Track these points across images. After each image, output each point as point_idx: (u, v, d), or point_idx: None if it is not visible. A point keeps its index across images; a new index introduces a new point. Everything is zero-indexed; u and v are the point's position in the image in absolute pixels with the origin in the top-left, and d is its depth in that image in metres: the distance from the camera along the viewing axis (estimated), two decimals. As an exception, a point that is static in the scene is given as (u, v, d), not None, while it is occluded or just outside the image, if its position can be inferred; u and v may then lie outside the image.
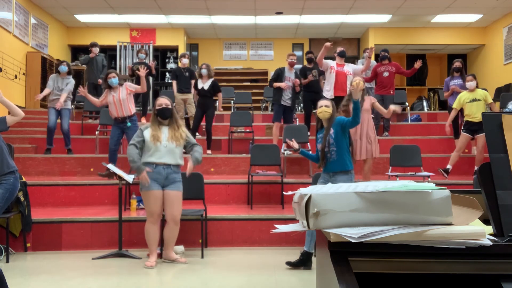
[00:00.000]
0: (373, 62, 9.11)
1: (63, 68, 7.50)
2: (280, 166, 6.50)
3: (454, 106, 6.88)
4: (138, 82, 8.83)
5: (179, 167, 4.61)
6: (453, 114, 6.87)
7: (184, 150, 4.69)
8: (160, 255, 4.81)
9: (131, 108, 6.59)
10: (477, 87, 6.77)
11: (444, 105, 10.89)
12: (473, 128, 6.64)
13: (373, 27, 12.51)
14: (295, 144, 4.60)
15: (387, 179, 6.21)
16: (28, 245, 5.14)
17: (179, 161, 4.57)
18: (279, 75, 7.59)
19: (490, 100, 6.69)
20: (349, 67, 7.36)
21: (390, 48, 13.25)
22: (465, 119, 6.75)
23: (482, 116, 1.46)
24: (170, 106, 4.60)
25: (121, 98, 6.45)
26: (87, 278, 4.15)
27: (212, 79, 7.66)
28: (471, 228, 1.23)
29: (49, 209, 5.85)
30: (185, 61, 8.48)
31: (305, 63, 8.88)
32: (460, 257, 1.24)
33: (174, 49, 12.92)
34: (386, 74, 8.22)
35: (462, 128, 6.83)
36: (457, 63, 7.77)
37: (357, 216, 1.27)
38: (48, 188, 6.11)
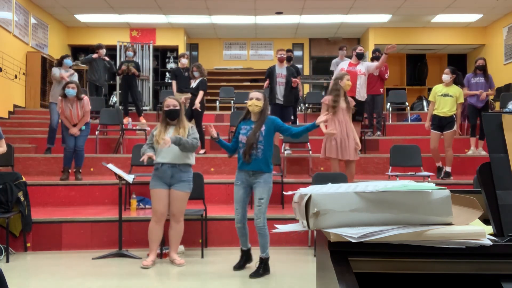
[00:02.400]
0: (346, 59, 9.11)
1: (69, 62, 7.51)
2: (280, 166, 6.50)
3: (430, 98, 6.87)
4: (123, 80, 8.85)
5: (188, 166, 4.60)
6: (430, 107, 6.82)
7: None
8: (160, 255, 4.81)
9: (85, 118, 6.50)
10: (456, 83, 6.70)
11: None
12: (440, 124, 6.57)
13: (373, 27, 12.51)
14: (213, 133, 4.34)
15: (387, 179, 6.21)
16: (28, 245, 5.14)
17: (185, 160, 4.57)
18: (270, 73, 7.48)
19: (461, 100, 6.61)
20: (362, 66, 7.14)
21: (390, 48, 13.31)
22: (434, 112, 6.67)
23: (482, 116, 1.46)
24: (178, 107, 4.62)
25: (79, 114, 6.36)
26: (87, 278, 4.15)
27: (201, 78, 7.53)
28: (471, 228, 1.23)
29: (49, 209, 5.85)
30: (184, 61, 8.47)
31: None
32: (460, 257, 1.24)
33: (174, 49, 12.92)
34: (376, 73, 8.16)
35: (431, 124, 6.72)
36: (480, 61, 7.69)
37: (357, 216, 1.27)
38: (48, 188, 6.11)
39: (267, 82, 7.41)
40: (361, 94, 6.93)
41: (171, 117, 4.60)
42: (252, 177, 4.23)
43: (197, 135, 4.68)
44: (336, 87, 5.64)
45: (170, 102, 4.60)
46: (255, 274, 4.21)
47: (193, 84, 7.52)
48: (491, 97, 8.22)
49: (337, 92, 5.60)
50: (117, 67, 9.48)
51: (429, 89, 13.74)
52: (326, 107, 5.56)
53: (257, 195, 4.21)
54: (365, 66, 7.09)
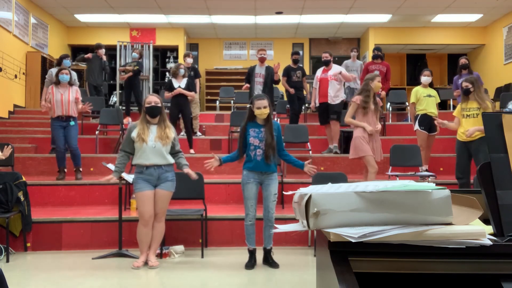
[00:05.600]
0: (358, 61, 9.19)
1: (67, 62, 7.50)
2: (280, 166, 6.50)
3: (411, 100, 6.93)
4: (127, 79, 8.84)
5: (171, 165, 4.54)
6: (412, 109, 6.91)
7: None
8: (160, 255, 4.81)
9: (75, 111, 6.46)
10: (431, 86, 6.89)
11: (444, 105, 10.90)
12: (430, 124, 6.67)
13: (373, 27, 12.51)
14: (215, 163, 4.41)
15: (387, 179, 6.21)
16: (28, 245, 5.14)
17: (169, 160, 4.51)
18: (250, 73, 7.56)
19: (438, 100, 6.83)
20: (332, 71, 7.33)
21: (390, 48, 13.33)
22: (421, 112, 6.72)
23: (482, 116, 1.46)
24: (159, 104, 4.52)
25: (70, 99, 6.35)
26: (87, 278, 4.15)
27: (187, 78, 7.55)
28: (471, 228, 1.23)
29: (49, 209, 5.85)
30: (189, 60, 8.47)
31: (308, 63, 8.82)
32: (460, 257, 1.24)
33: (174, 49, 12.92)
34: (376, 73, 8.13)
35: (418, 124, 6.75)
36: (462, 60, 7.69)
37: (357, 216, 1.27)
38: (48, 188, 6.11)
39: (246, 85, 7.61)
40: (331, 97, 7.27)
41: (152, 114, 4.49)
42: (263, 176, 4.43)
43: (179, 147, 4.66)
44: (366, 87, 5.53)
45: (152, 99, 4.51)
46: (275, 264, 4.47)
47: (180, 83, 7.44)
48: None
49: (367, 92, 5.50)
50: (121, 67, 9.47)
51: (429, 89, 13.79)
52: (356, 106, 5.49)
53: (271, 191, 4.43)
54: (335, 71, 7.31)
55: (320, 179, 5.21)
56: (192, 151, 7.45)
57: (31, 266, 4.62)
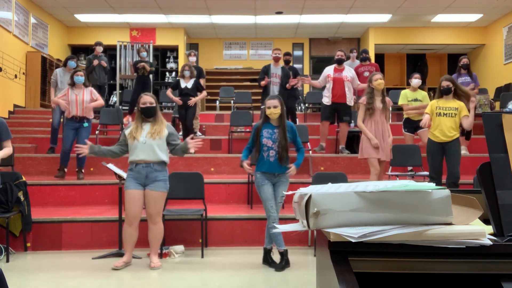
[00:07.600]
0: (357, 61, 9.17)
1: (73, 64, 7.50)
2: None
3: (399, 102, 6.98)
4: (139, 79, 8.81)
5: (163, 164, 4.47)
6: (404, 108, 6.96)
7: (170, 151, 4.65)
8: (160, 255, 4.81)
9: (91, 113, 6.55)
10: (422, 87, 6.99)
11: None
12: (414, 126, 6.83)
13: (373, 26, 12.52)
14: (248, 168, 4.52)
15: (387, 179, 6.21)
16: (28, 244, 5.14)
17: (162, 157, 4.43)
18: (265, 73, 7.42)
19: (427, 101, 6.75)
20: (348, 72, 7.26)
21: (390, 48, 13.35)
22: (405, 116, 6.89)
23: (482, 116, 1.46)
24: (154, 104, 4.51)
25: (84, 100, 6.42)
26: (87, 278, 4.15)
27: (194, 78, 7.56)
28: (471, 228, 1.23)
29: (49, 209, 5.85)
30: (192, 59, 8.45)
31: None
32: (460, 257, 1.24)
33: (174, 49, 12.93)
34: (366, 74, 8.16)
35: (403, 127, 6.97)
36: (464, 60, 7.69)
37: (357, 216, 1.27)
38: (48, 188, 6.11)
39: (266, 80, 7.36)
40: (349, 99, 7.18)
41: (147, 115, 4.48)
42: (276, 178, 4.44)
43: (178, 141, 4.64)
44: (368, 89, 5.55)
45: (147, 99, 4.49)
46: (280, 267, 4.36)
47: (187, 84, 7.47)
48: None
49: (370, 94, 5.49)
50: (134, 64, 9.38)
51: (430, 89, 13.80)
52: (364, 107, 5.51)
53: (280, 192, 4.42)
54: (351, 74, 7.24)
55: (320, 179, 5.21)
56: (192, 150, 7.45)
57: (31, 266, 4.62)
